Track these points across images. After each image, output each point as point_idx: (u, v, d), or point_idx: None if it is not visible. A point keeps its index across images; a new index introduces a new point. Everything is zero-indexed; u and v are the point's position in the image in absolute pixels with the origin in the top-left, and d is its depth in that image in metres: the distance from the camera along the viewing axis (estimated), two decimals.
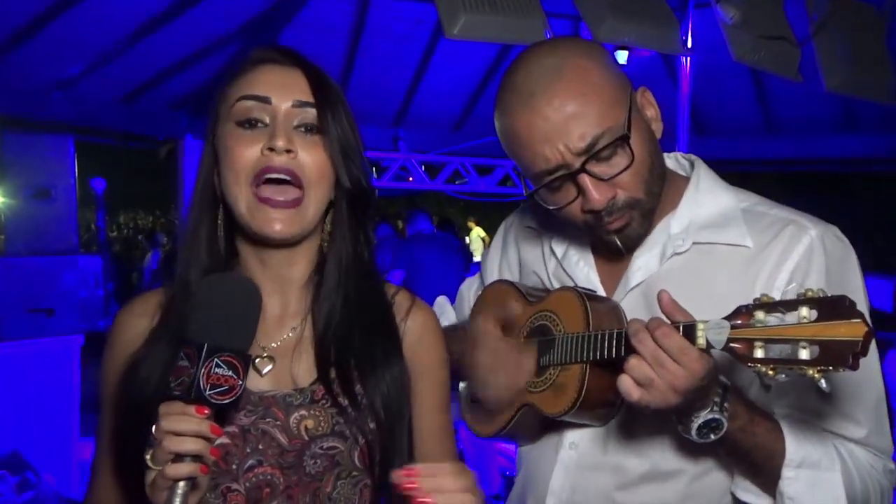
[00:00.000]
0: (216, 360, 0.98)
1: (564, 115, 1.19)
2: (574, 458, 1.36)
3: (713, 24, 3.31)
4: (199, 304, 1.03)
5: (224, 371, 0.98)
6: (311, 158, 1.12)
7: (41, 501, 3.66)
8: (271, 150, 1.09)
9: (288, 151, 1.10)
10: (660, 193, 1.30)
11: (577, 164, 1.20)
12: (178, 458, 0.95)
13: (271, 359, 1.17)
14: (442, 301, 1.78)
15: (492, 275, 1.63)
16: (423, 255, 6.04)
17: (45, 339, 4.26)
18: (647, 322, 1.09)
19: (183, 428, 0.95)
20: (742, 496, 1.26)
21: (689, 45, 3.66)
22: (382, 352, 1.18)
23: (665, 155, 1.38)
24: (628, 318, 1.28)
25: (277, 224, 1.11)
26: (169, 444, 0.94)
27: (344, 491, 1.14)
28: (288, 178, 1.11)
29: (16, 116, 5.89)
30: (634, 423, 1.31)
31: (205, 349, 0.98)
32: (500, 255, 1.64)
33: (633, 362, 1.08)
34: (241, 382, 1.00)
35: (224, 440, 1.08)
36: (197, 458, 0.96)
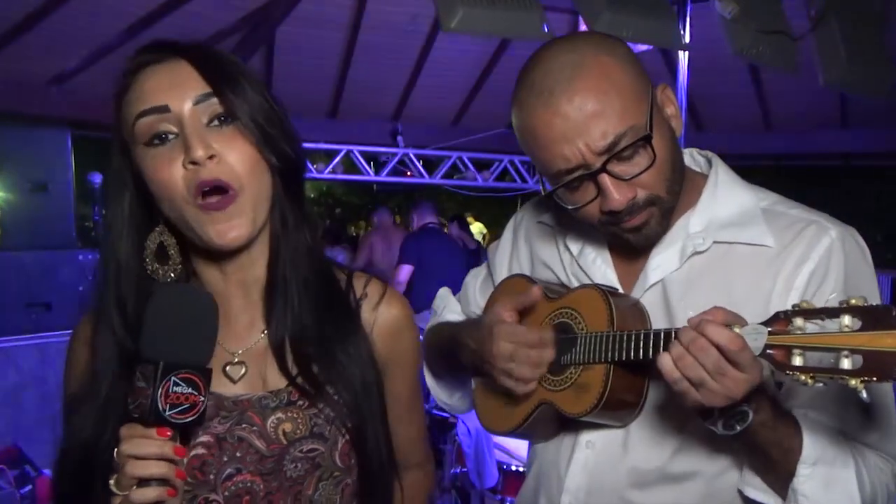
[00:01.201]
0: (173, 378, 0.94)
1: (585, 113, 1.14)
2: (591, 457, 1.34)
3: (711, 19, 3.31)
4: (150, 320, 0.96)
5: (183, 389, 0.94)
6: (235, 154, 1.02)
7: (39, 495, 3.66)
8: (193, 163, 0.99)
9: (210, 157, 1.00)
10: (680, 192, 1.26)
11: (598, 163, 1.16)
12: (144, 482, 0.92)
13: (243, 364, 1.12)
14: (445, 293, 1.76)
15: (501, 270, 1.60)
16: (434, 251, 5.93)
17: (42, 334, 4.26)
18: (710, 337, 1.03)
19: (144, 451, 0.92)
20: (750, 493, 1.23)
21: (687, 39, 3.65)
22: (342, 334, 1.13)
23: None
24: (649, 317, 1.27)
25: (231, 232, 1.03)
26: (132, 469, 0.91)
27: (326, 492, 1.11)
28: (221, 187, 1.01)
29: (12, 111, 5.87)
30: (652, 424, 1.29)
31: (160, 368, 0.93)
32: (510, 250, 1.61)
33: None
34: (202, 399, 0.96)
35: (199, 450, 1.05)
36: (163, 481, 0.92)
